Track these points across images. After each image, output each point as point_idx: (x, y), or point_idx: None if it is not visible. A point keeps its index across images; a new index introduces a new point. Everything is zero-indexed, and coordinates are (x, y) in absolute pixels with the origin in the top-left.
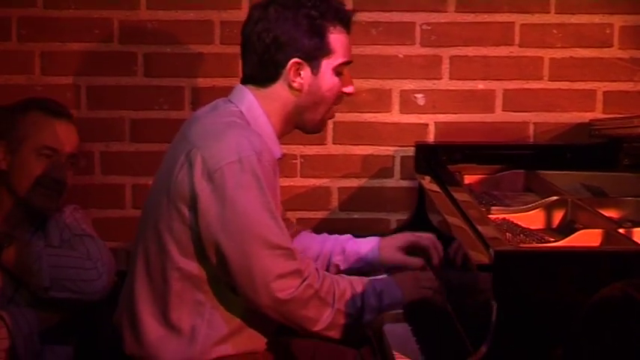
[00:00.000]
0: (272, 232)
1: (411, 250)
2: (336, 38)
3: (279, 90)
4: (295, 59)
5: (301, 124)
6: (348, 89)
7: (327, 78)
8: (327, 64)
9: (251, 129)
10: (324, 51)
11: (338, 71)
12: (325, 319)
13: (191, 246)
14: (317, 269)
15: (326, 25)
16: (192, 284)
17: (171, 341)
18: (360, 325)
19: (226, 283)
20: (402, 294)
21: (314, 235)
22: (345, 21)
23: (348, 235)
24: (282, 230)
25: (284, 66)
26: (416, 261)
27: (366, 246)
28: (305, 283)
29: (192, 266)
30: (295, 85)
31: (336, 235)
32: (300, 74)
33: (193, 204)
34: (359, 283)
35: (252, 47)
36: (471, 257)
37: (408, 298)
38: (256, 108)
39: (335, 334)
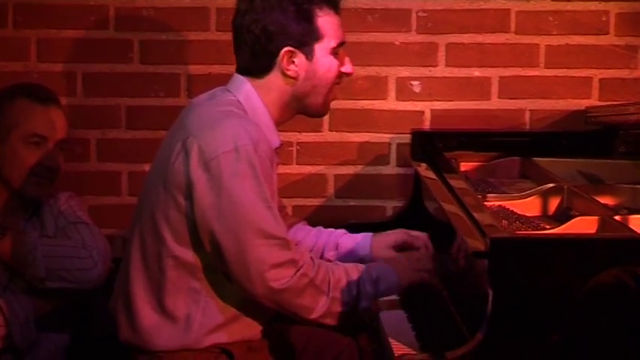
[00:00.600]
0: (267, 221)
1: (402, 247)
2: (325, 21)
3: (274, 80)
4: (287, 48)
5: (303, 109)
6: (347, 69)
7: (323, 61)
8: (321, 48)
9: (248, 118)
10: (315, 36)
11: (334, 52)
12: (321, 308)
13: (187, 234)
14: (312, 258)
15: (313, 9)
16: (188, 272)
17: (166, 328)
18: (356, 311)
19: (221, 272)
20: (398, 278)
21: (309, 228)
22: (333, 3)
23: (343, 230)
24: (277, 220)
25: (276, 55)
26: None
27: (358, 242)
28: (300, 272)
29: (188, 254)
30: (290, 73)
31: (331, 230)
32: (293, 62)
33: (189, 192)
34: (354, 269)
35: (243, 39)
36: (468, 244)
37: (404, 282)
38: (254, 97)
39: (331, 321)
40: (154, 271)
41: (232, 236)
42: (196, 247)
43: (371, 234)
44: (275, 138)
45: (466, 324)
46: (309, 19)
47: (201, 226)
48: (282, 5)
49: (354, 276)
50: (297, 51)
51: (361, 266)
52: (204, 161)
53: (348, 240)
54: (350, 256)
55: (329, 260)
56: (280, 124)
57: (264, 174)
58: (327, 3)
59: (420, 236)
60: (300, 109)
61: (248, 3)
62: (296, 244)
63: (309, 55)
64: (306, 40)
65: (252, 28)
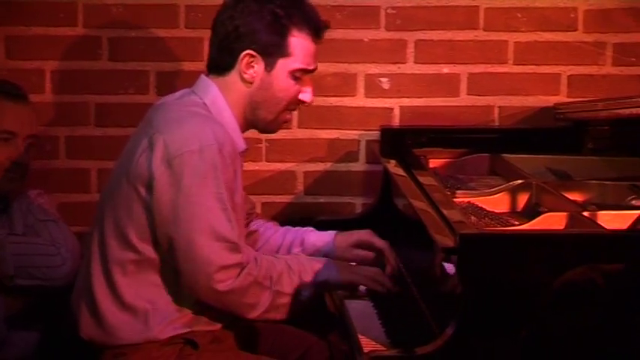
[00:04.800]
0: (221, 224)
1: (365, 248)
2: (298, 42)
3: (234, 80)
4: (249, 51)
5: (255, 121)
6: (305, 97)
7: (280, 78)
8: (283, 65)
9: (215, 120)
10: (282, 51)
11: (295, 76)
12: (264, 302)
13: (147, 228)
14: (255, 256)
15: (290, 26)
16: (148, 266)
17: (128, 322)
18: (299, 302)
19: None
20: (337, 272)
21: (277, 227)
22: (313, 30)
23: (310, 227)
24: (231, 223)
25: (238, 55)
26: (370, 256)
27: (323, 240)
28: (244, 272)
29: (148, 249)
30: (246, 76)
31: (298, 228)
32: (252, 67)
33: (150, 186)
34: (295, 260)
35: (216, 33)
36: (436, 240)
37: (342, 277)
38: (220, 100)
39: (275, 315)
40: (115, 266)
41: (185, 234)
42: (156, 242)
43: (335, 232)
44: (240, 141)
45: (436, 320)
46: (281, 34)
47: (157, 221)
48: (261, 12)
49: (295, 267)
50: (258, 57)
51: (302, 257)
52: (167, 158)
53: (313, 236)
54: (314, 253)
55: None
56: (243, 131)
57: (226, 176)
58: (308, 28)
59: (383, 243)
60: (253, 121)
61: (234, 1)
62: (247, 246)
63: (269, 67)
64: (271, 50)
65: (226, 24)
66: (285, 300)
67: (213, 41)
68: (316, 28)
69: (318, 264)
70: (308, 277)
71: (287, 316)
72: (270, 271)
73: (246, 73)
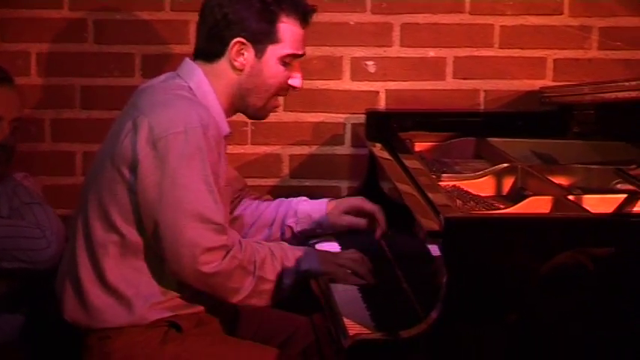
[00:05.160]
0: (207, 205)
1: (356, 214)
2: (287, 28)
3: (223, 67)
4: (239, 38)
5: (244, 107)
6: (294, 82)
7: (270, 65)
8: (273, 51)
9: (200, 102)
10: (271, 37)
11: (284, 61)
12: (247, 287)
13: (131, 211)
14: (240, 240)
15: (278, 12)
16: (131, 250)
17: (113, 306)
18: (281, 290)
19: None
20: (319, 262)
21: (270, 202)
22: (301, 15)
23: (302, 197)
24: (217, 205)
25: (228, 43)
26: (362, 222)
27: (315, 208)
28: (229, 255)
29: (132, 232)
30: (236, 64)
31: (291, 199)
32: (242, 54)
33: (134, 168)
34: (278, 248)
35: (204, 20)
36: (422, 224)
37: (323, 267)
38: (205, 84)
39: (257, 301)
40: (99, 249)
41: (170, 216)
42: (140, 225)
43: (326, 200)
44: (224, 125)
45: (420, 303)
46: (270, 21)
47: (142, 203)
48: (249, 0)
49: (278, 254)
50: (249, 45)
51: (285, 245)
52: (152, 139)
53: (305, 205)
54: (308, 221)
55: (290, 227)
56: (229, 115)
57: (211, 158)
58: (296, 13)
59: (374, 207)
60: (241, 107)
61: None
62: (240, 230)
63: (259, 54)
64: (260, 38)
65: (215, 12)
66: (268, 286)
67: (200, 29)
68: (304, 13)
69: (300, 253)
70: (291, 265)
71: (268, 303)
72: (254, 256)
73: (236, 60)
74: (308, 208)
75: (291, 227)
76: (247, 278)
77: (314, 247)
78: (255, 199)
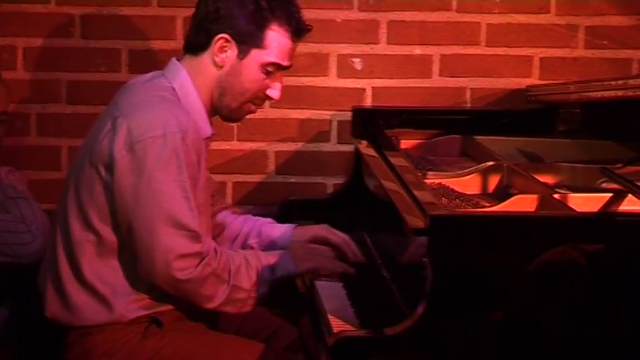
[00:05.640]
0: (182, 211)
1: (322, 244)
2: (275, 37)
3: (206, 61)
4: (224, 34)
5: (220, 107)
6: (272, 93)
7: (251, 69)
8: (256, 56)
9: (181, 106)
10: (257, 41)
11: (267, 69)
12: (221, 296)
13: (108, 211)
14: (215, 248)
15: (270, 19)
16: (108, 249)
17: (92, 304)
18: (255, 298)
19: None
20: (294, 265)
21: (237, 215)
22: (293, 28)
23: (269, 219)
24: (192, 212)
25: (213, 37)
26: (325, 250)
27: (279, 232)
28: (203, 262)
29: (108, 231)
30: (217, 60)
31: (257, 218)
32: (225, 51)
33: (111, 169)
34: (253, 257)
35: (197, 10)
36: (407, 221)
37: (300, 268)
38: (188, 85)
39: (231, 309)
40: (77, 247)
41: (145, 220)
42: (116, 225)
43: (292, 226)
44: (207, 127)
45: (405, 301)
46: (259, 25)
47: (118, 204)
48: (244, 0)
49: (253, 263)
50: (233, 43)
51: (260, 253)
52: (130, 142)
53: (271, 229)
54: (270, 244)
55: (251, 247)
56: (211, 116)
57: (188, 164)
58: (288, 25)
59: (340, 235)
60: (217, 106)
61: None
62: (220, 231)
63: (242, 54)
64: (246, 39)
65: (208, 3)
66: (242, 295)
67: (192, 20)
68: (297, 28)
69: (274, 259)
70: (266, 273)
71: (242, 311)
72: (229, 264)
73: (217, 56)
74: (272, 232)
75: (252, 247)
76: (221, 286)
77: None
78: (223, 209)
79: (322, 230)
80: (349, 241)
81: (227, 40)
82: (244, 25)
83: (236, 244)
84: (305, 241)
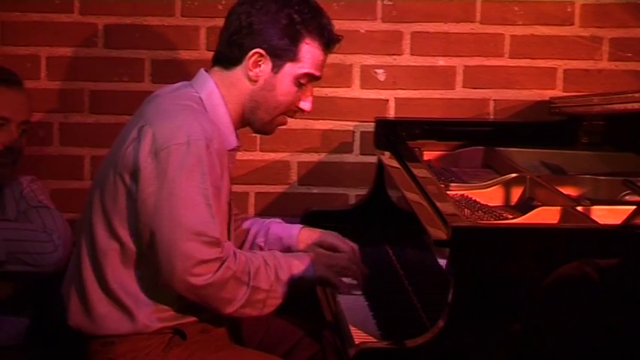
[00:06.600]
0: (203, 219)
1: (329, 250)
2: (309, 50)
3: (238, 75)
4: (259, 49)
5: (252, 120)
6: (304, 105)
7: (285, 82)
8: (290, 69)
9: (207, 115)
10: (291, 55)
11: (299, 82)
12: (241, 298)
13: (132, 219)
14: (234, 251)
15: (303, 33)
16: (131, 258)
17: (116, 314)
18: (274, 299)
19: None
20: (314, 271)
21: (245, 219)
22: (326, 40)
23: (277, 218)
24: (213, 219)
25: (247, 52)
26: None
27: (287, 232)
28: (223, 266)
29: (131, 241)
30: (252, 74)
31: (264, 219)
32: (259, 66)
33: (136, 177)
34: (271, 257)
35: (228, 24)
36: (429, 233)
37: (318, 275)
38: (216, 96)
39: (251, 311)
40: (102, 256)
41: (166, 227)
42: (139, 234)
43: (299, 226)
44: (232, 138)
45: (427, 312)
46: (294, 39)
47: (141, 212)
48: (278, 14)
49: (271, 263)
50: (267, 57)
51: (278, 253)
52: (155, 149)
53: (277, 227)
54: (277, 244)
55: (259, 246)
56: (237, 128)
57: (211, 172)
58: (320, 38)
59: (349, 244)
60: (249, 119)
61: None
62: (243, 240)
63: (276, 69)
64: (280, 53)
65: (241, 18)
66: (262, 296)
67: (223, 33)
68: (329, 40)
69: (294, 260)
70: (284, 274)
71: (262, 313)
72: (248, 266)
73: (251, 71)
74: (279, 231)
75: (260, 246)
76: (241, 289)
77: None
78: (245, 219)
79: (330, 237)
80: (357, 251)
81: (261, 55)
82: (278, 40)
83: (245, 245)
84: (312, 243)
